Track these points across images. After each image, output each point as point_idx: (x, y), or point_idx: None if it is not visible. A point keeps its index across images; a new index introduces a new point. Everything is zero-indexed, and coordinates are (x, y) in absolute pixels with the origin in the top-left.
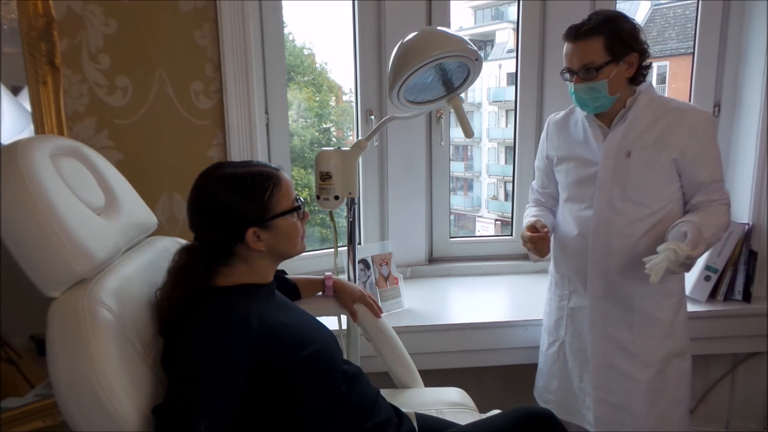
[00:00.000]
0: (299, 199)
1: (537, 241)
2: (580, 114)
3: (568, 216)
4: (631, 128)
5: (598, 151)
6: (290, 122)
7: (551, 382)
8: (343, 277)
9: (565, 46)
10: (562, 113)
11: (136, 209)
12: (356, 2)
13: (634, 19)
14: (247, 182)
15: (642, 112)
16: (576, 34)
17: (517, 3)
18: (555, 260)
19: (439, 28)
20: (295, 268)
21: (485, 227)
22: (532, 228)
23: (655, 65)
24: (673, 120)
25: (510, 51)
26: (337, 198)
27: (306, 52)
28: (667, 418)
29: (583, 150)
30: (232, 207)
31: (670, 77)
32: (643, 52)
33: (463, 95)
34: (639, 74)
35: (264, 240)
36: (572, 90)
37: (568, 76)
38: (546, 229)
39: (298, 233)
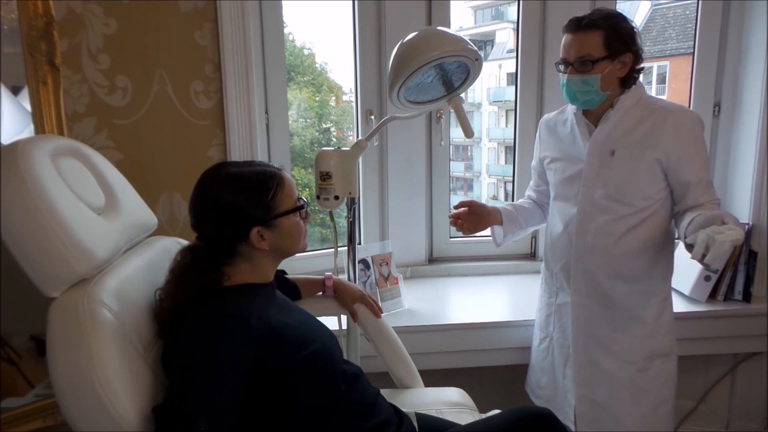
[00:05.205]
0: (302, 198)
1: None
2: (570, 113)
3: (556, 214)
4: (617, 127)
5: (584, 149)
6: (290, 122)
7: (541, 378)
8: (343, 277)
9: (564, 37)
10: (553, 113)
11: (136, 209)
12: (356, 2)
13: (633, 21)
14: (251, 182)
15: (628, 111)
16: (577, 25)
17: (517, 3)
18: (545, 257)
19: (439, 28)
20: (296, 268)
21: None
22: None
23: (655, 65)
24: (657, 120)
25: (510, 51)
26: (337, 198)
27: (306, 52)
28: (650, 419)
29: (571, 148)
30: (236, 206)
31: (670, 77)
32: (637, 54)
33: (463, 95)
34: (630, 76)
35: (268, 239)
36: (564, 81)
37: (562, 67)
38: (464, 208)
39: (301, 232)
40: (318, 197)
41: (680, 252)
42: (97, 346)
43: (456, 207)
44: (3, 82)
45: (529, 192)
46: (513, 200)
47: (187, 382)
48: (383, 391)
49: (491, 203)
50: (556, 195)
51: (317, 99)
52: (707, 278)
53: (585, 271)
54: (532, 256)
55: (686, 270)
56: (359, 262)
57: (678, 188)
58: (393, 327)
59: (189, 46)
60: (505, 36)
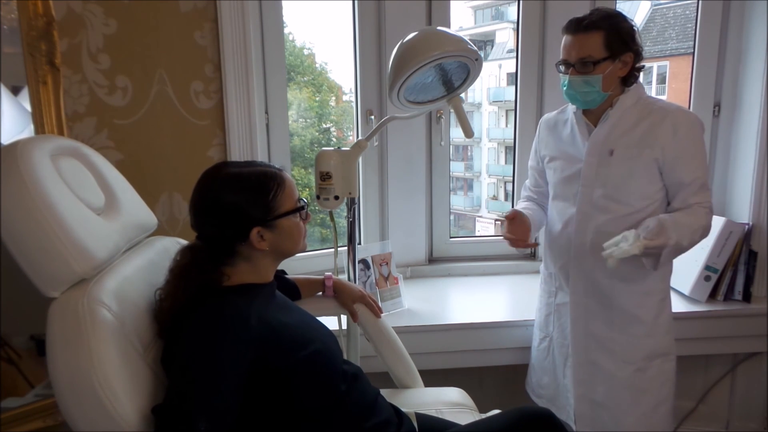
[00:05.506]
0: (302, 199)
1: (514, 232)
2: (570, 113)
3: (555, 214)
4: (616, 127)
5: (584, 149)
6: (290, 122)
7: (542, 378)
8: (343, 277)
9: (564, 38)
10: (553, 113)
11: (136, 209)
12: (356, 2)
13: (632, 20)
14: (252, 182)
15: (627, 111)
16: (577, 27)
17: (517, 3)
18: (544, 257)
19: (439, 28)
20: (295, 268)
21: (485, 227)
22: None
23: (655, 65)
24: (656, 120)
25: (510, 51)
26: (337, 198)
27: (306, 52)
28: (648, 419)
29: (570, 148)
30: (237, 206)
31: (670, 77)
32: (638, 53)
33: (463, 95)
34: (631, 75)
35: (267, 240)
36: (565, 82)
37: (563, 68)
38: (511, 216)
39: (301, 233)
40: (318, 197)
41: None
42: (97, 346)
43: (504, 221)
44: (3, 82)
45: (527, 193)
46: (513, 200)
47: (187, 382)
48: (383, 391)
49: (491, 204)
50: (555, 195)
51: (317, 99)
52: (707, 278)
53: (584, 271)
54: (532, 256)
55: (686, 270)
56: (359, 262)
57: (671, 188)
58: (393, 327)
59: (189, 46)
60: (505, 36)
